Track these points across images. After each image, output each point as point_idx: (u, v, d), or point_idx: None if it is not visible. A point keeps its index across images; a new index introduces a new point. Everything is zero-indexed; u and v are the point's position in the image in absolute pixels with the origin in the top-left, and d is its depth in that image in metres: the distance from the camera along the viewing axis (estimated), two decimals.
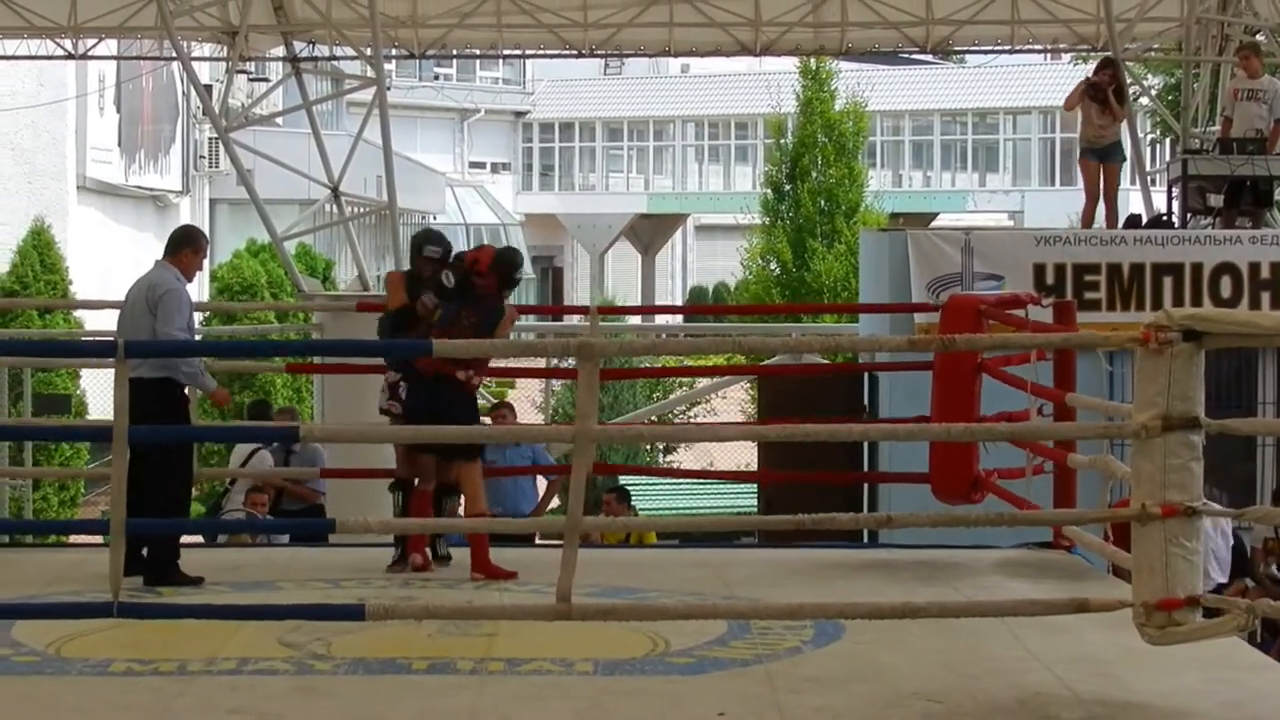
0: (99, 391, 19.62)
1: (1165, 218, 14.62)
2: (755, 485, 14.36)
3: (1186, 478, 6.38)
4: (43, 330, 20.36)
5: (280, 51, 18.52)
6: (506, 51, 18.99)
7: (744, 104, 48.90)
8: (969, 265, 13.34)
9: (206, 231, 13.72)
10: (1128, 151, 15.55)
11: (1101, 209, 14.71)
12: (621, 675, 7.04)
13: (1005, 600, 8.00)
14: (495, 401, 14.41)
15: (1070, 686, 6.83)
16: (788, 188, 34.33)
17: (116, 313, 9.46)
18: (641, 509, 16.78)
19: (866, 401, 13.10)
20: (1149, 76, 26.64)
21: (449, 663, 7.22)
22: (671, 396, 24.71)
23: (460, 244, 12.50)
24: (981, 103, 49.35)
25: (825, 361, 13.89)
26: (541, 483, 13.23)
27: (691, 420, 25.27)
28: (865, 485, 12.68)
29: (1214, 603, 6.59)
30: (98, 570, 7.50)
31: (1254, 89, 14.52)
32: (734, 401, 25.53)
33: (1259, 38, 16.64)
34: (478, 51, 20.03)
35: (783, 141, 35.29)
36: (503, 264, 9.47)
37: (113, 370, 6.74)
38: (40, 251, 22.67)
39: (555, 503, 13.18)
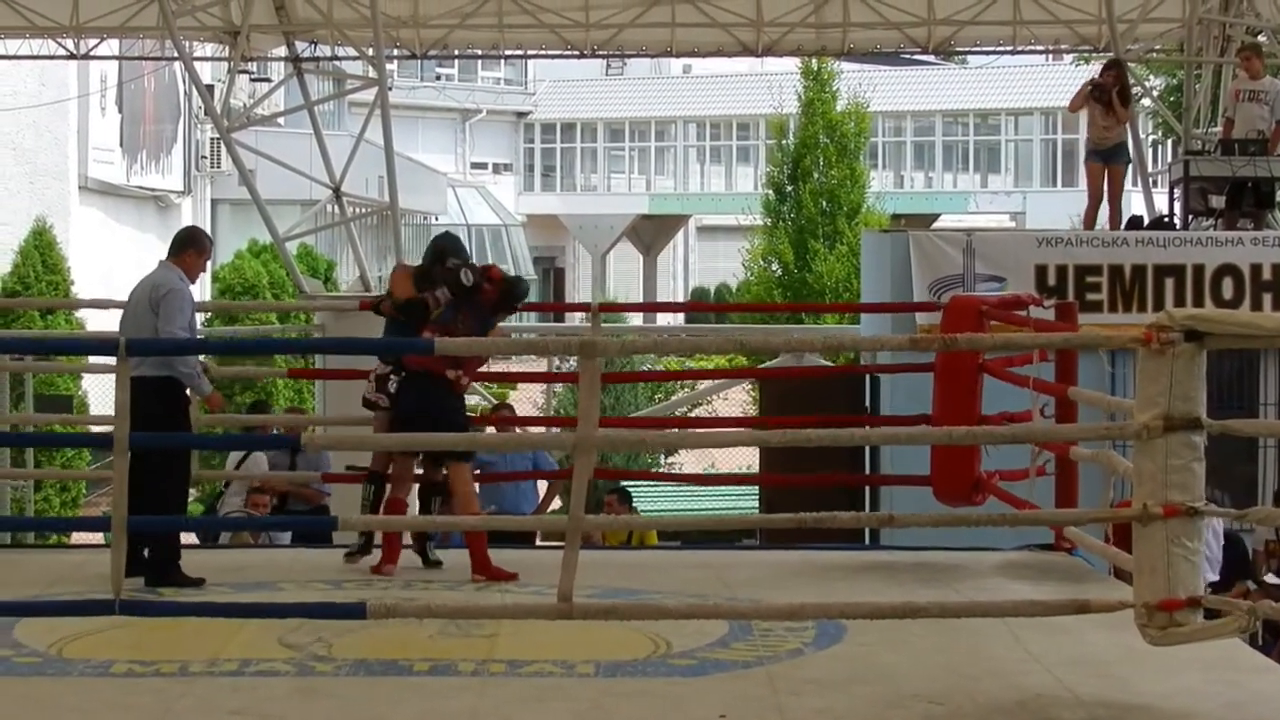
0: (100, 393, 19.60)
1: (1167, 219, 14.62)
2: (756, 487, 14.34)
3: (1188, 478, 6.38)
4: (44, 330, 20.33)
5: (282, 51, 18.54)
6: (508, 52, 18.99)
7: (746, 105, 48.91)
8: (971, 266, 13.34)
9: (208, 231, 13.71)
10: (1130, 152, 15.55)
11: (1105, 211, 14.71)
12: (623, 677, 7.04)
13: (1006, 601, 7.98)
14: (496, 402, 14.40)
15: (1071, 688, 6.83)
16: (789, 188, 34.30)
17: (118, 313, 9.49)
18: (643, 511, 16.75)
19: (868, 402, 13.09)
20: (1151, 77, 26.63)
21: (450, 664, 7.22)
22: (673, 398, 24.68)
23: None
24: (983, 104, 49.37)
25: (827, 363, 13.88)
26: (542, 483, 13.21)
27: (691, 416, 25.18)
28: (867, 487, 12.68)
29: (1215, 604, 6.59)
30: (99, 571, 7.51)
31: (1256, 90, 14.52)
32: (735, 403, 25.49)
33: (1261, 38, 16.64)
34: (479, 52, 20.05)
35: (784, 142, 35.29)
36: (510, 282, 9.67)
37: (114, 372, 6.74)
38: (42, 252, 22.65)
39: (556, 503, 13.17)
